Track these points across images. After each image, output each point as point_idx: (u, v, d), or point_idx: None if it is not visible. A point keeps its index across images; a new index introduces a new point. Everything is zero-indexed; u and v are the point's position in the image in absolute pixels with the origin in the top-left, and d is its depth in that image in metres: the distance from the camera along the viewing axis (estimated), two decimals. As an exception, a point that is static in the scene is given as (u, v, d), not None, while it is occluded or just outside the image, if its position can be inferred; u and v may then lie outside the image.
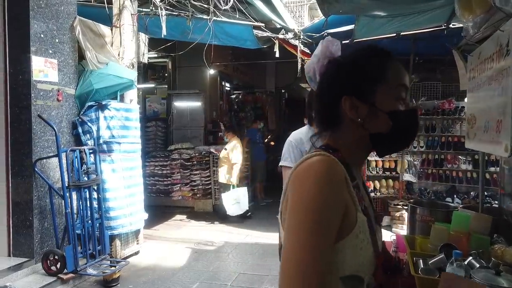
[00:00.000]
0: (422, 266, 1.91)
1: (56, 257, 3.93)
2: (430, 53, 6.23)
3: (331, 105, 1.00)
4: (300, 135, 2.59)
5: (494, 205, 4.43)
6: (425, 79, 7.08)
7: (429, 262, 1.92)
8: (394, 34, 4.54)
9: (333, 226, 0.84)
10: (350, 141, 0.99)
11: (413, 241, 2.34)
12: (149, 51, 5.93)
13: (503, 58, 1.49)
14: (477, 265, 1.76)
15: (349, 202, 0.89)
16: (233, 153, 6.67)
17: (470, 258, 1.84)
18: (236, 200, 6.59)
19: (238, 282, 4.26)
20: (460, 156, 6.40)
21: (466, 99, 5.90)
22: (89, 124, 4.52)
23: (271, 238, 5.81)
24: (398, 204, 6.20)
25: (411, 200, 3.14)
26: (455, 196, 6.29)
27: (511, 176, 2.35)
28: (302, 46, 5.95)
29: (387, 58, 1.00)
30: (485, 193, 5.99)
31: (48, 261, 3.95)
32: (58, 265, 3.91)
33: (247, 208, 6.84)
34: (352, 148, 1.00)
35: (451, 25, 3.76)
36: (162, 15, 5.05)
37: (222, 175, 6.84)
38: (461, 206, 2.76)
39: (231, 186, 6.70)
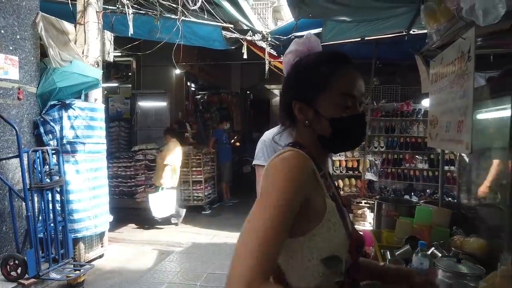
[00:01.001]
0: (389, 257, 2.03)
1: (17, 262, 3.75)
2: (390, 58, 6.52)
3: (287, 106, 1.10)
4: (274, 135, 2.65)
5: (448, 200, 4.73)
6: (385, 82, 7.40)
7: (396, 253, 2.05)
8: (359, 39, 4.73)
9: (294, 209, 0.92)
10: (309, 140, 1.08)
11: (379, 235, 2.48)
12: (114, 49, 5.80)
13: (464, 64, 1.64)
14: (439, 255, 1.91)
15: (317, 191, 0.99)
16: (167, 155, 6.52)
17: (433, 248, 1.99)
18: (162, 202, 6.44)
19: (207, 282, 4.27)
20: (417, 156, 6.75)
21: (424, 102, 6.28)
22: (51, 123, 4.36)
23: (239, 237, 5.85)
24: (360, 202, 6.44)
25: (378, 197, 3.30)
26: (412, 193, 6.61)
27: (467, 174, 2.55)
28: (269, 48, 6.04)
29: (338, 66, 1.05)
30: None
31: (8, 266, 3.76)
32: (19, 270, 3.73)
33: (173, 212, 6.67)
34: (310, 144, 1.08)
35: (411, 32, 3.98)
36: (129, 14, 4.96)
37: (155, 177, 6.73)
38: (421, 202, 2.94)
39: (160, 188, 6.55)
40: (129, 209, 7.48)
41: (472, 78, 1.57)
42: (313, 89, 1.05)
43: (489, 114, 2.14)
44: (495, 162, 1.99)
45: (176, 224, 6.79)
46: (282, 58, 6.74)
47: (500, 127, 1.93)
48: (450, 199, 4.75)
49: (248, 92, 13.08)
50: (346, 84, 1.04)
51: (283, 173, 0.94)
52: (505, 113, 1.82)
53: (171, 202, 6.57)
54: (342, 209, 1.07)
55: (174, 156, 6.58)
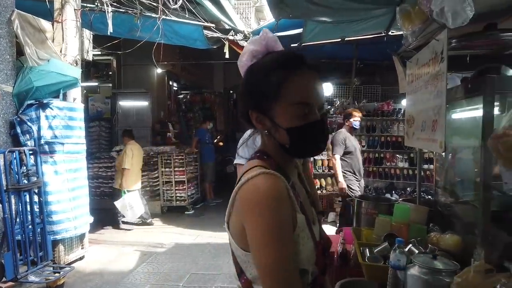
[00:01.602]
0: (368, 255, 2.07)
1: (-6, 265, 3.67)
2: (370, 58, 6.62)
3: (245, 115, 1.06)
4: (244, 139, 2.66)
5: (427, 198, 4.84)
6: (366, 82, 7.51)
7: (375, 251, 2.08)
8: (340, 40, 4.79)
9: (290, 234, 0.95)
10: (271, 144, 1.06)
11: (359, 233, 2.52)
12: (93, 48, 5.70)
13: (438, 65, 1.68)
14: (416, 251, 1.95)
15: (291, 208, 0.98)
16: (124, 158, 6.35)
17: (410, 245, 2.03)
18: (129, 205, 6.30)
19: (190, 282, 4.25)
20: (397, 155, 6.87)
21: (403, 102, 6.40)
22: (28, 123, 4.26)
23: (222, 237, 5.85)
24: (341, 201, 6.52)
25: (357, 195, 3.35)
26: (393, 192, 6.74)
27: (443, 172, 2.61)
28: (251, 47, 6.04)
29: (291, 72, 0.98)
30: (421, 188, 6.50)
31: (-16, 270, 3.68)
32: (-4, 274, 3.65)
33: (144, 211, 6.54)
34: (275, 150, 1.05)
35: (390, 33, 4.04)
36: (108, 12, 4.89)
37: (116, 181, 6.60)
38: (400, 199, 3.00)
39: (122, 192, 6.36)
40: (110, 210, 7.38)
41: (445, 78, 1.61)
42: (265, 99, 0.99)
43: (463, 114, 2.21)
44: (469, 159, 2.05)
45: (151, 223, 6.74)
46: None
47: (474, 126, 1.99)
48: (429, 197, 4.87)
49: (231, 91, 13.04)
50: (300, 91, 0.98)
51: (265, 208, 0.92)
52: (478, 113, 1.87)
53: (138, 201, 6.43)
54: (309, 221, 1.05)
55: (132, 158, 6.41)
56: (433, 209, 2.51)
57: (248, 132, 2.76)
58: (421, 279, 1.62)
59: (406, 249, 1.95)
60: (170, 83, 10.00)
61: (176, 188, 7.64)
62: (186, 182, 7.65)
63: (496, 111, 1.75)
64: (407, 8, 1.96)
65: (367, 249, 2.12)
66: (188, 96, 11.44)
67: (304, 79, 0.99)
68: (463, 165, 2.24)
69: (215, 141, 9.75)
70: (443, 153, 1.69)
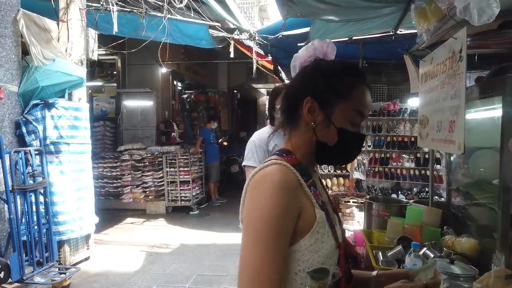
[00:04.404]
0: (381, 258, 2.02)
1: (0, 266, 3.65)
2: (376, 57, 6.56)
3: (295, 102, 1.05)
4: (263, 135, 2.63)
5: (435, 199, 4.79)
6: (372, 81, 7.44)
7: (388, 254, 2.04)
8: (347, 38, 4.73)
9: (288, 233, 0.91)
10: (303, 142, 1.05)
11: (370, 235, 2.47)
12: (98, 47, 5.68)
13: (456, 64, 1.63)
14: (432, 255, 1.91)
15: (305, 203, 0.95)
16: None
17: (425, 249, 1.99)
18: None
19: (196, 284, 4.22)
20: (404, 155, 6.80)
21: (410, 101, 6.33)
22: (34, 123, 4.24)
23: (228, 238, 5.82)
24: (348, 201, 6.47)
25: (368, 197, 3.31)
26: (399, 192, 6.67)
27: (457, 173, 2.56)
28: (257, 47, 6.01)
29: (360, 81, 1.04)
30: (427, 189, 6.44)
31: (-10, 271, 3.65)
32: (2, 275, 3.61)
33: None
34: (304, 149, 1.05)
35: (398, 32, 3.99)
36: (113, 11, 4.86)
37: None
38: (412, 201, 2.96)
39: None
40: (115, 210, 7.39)
41: (464, 78, 1.56)
42: (334, 95, 1.01)
43: (478, 114, 2.16)
44: (485, 160, 2.00)
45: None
46: (269, 57, 6.65)
47: (490, 127, 1.94)
48: (436, 197, 4.82)
49: (235, 91, 13.02)
50: (364, 101, 1.03)
51: (267, 194, 0.90)
52: (495, 113, 1.82)
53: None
54: (331, 219, 1.02)
55: None
56: (446, 211, 2.46)
57: (258, 133, 2.73)
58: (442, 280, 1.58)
59: (421, 253, 1.91)
60: (175, 82, 9.98)
61: (181, 188, 7.62)
62: (190, 182, 7.63)
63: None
64: (422, 6, 1.91)
65: (380, 252, 2.08)
66: (192, 96, 11.43)
67: (367, 93, 1.05)
68: (478, 166, 2.18)
69: (220, 141, 9.72)
70: (462, 154, 1.64)
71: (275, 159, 0.99)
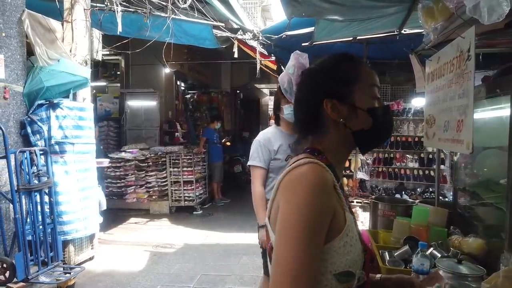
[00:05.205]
0: (388, 258, 2.02)
1: (5, 265, 3.66)
2: (380, 57, 6.55)
3: (312, 111, 1.06)
4: (268, 135, 2.63)
5: (439, 199, 4.78)
6: (375, 81, 7.43)
7: (395, 254, 2.03)
8: (351, 38, 4.73)
9: (323, 233, 0.89)
10: (334, 142, 1.05)
11: (376, 235, 2.47)
12: (103, 48, 5.70)
13: (464, 63, 1.63)
14: (439, 255, 1.90)
15: (337, 206, 0.94)
16: None
17: (432, 249, 1.98)
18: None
19: (200, 284, 4.22)
20: (408, 155, 6.80)
21: (414, 101, 6.31)
22: (39, 123, 4.26)
23: (232, 238, 5.82)
24: (352, 201, 6.46)
25: (373, 197, 3.30)
26: (403, 192, 6.66)
27: (464, 173, 2.55)
28: (260, 47, 6.01)
29: (355, 61, 1.07)
30: (431, 189, 6.43)
31: (-4, 271, 3.67)
32: (7, 274, 3.63)
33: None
34: (336, 148, 1.05)
35: (403, 31, 3.98)
36: (117, 11, 4.87)
37: None
38: (417, 201, 2.95)
39: None
40: (119, 210, 7.40)
41: (473, 77, 1.56)
42: (347, 83, 1.03)
43: (485, 114, 2.15)
44: (493, 160, 1.99)
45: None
46: (273, 57, 6.63)
47: (497, 127, 1.94)
48: (440, 197, 4.80)
49: (238, 91, 13.02)
50: (369, 74, 1.06)
51: (305, 194, 0.88)
52: (503, 112, 1.82)
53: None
54: (356, 223, 1.03)
55: None
56: (452, 211, 2.46)
57: (263, 133, 2.73)
58: (447, 284, 1.57)
59: (428, 253, 1.90)
60: (178, 82, 10.00)
61: (184, 188, 7.62)
62: (194, 182, 7.64)
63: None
64: (429, 5, 1.91)
65: (386, 252, 2.07)
66: (196, 96, 11.44)
67: (367, 65, 1.10)
68: (485, 166, 2.18)
69: (223, 141, 9.73)
70: (470, 154, 1.64)
71: (307, 157, 0.98)
